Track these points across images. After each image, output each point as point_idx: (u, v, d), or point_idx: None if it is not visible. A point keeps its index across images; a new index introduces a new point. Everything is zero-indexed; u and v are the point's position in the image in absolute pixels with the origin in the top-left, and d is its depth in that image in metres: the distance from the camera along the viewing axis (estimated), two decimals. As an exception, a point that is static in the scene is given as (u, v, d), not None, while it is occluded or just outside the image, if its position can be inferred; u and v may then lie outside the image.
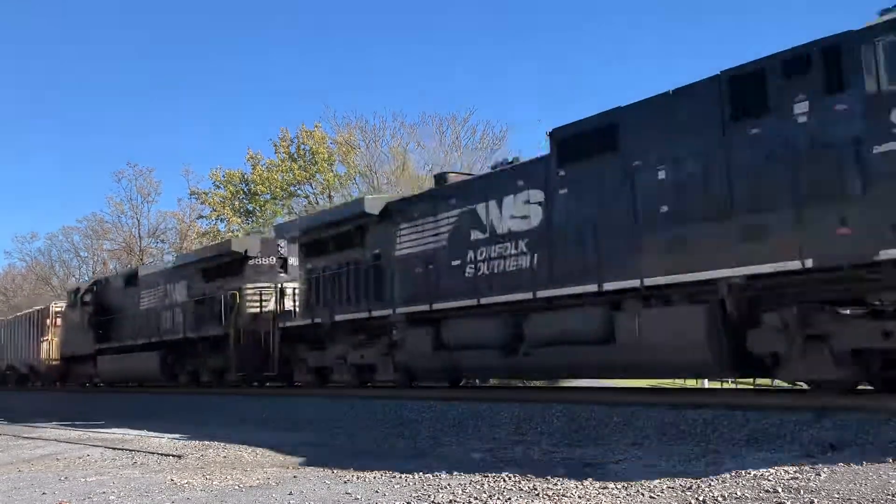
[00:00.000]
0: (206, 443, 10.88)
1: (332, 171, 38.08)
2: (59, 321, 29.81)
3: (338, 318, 14.65)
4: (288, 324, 16.44)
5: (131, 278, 24.51)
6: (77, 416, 17.43)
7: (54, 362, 30.02)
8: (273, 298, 17.96)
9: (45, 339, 30.41)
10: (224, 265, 19.37)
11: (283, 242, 18.59)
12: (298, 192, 39.14)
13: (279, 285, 17.70)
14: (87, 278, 59.61)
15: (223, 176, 40.51)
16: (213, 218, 41.25)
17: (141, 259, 50.92)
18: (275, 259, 18.93)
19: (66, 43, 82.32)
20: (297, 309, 16.60)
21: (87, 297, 26.32)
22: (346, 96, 69.84)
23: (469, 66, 68.67)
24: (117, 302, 24.93)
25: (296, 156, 38.44)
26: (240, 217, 39.82)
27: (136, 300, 23.43)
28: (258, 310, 18.20)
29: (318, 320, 15.20)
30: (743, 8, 63.22)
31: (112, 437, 12.70)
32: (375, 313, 13.72)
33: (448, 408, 11.17)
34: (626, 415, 8.95)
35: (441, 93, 64.15)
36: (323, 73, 70.52)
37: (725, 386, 16.84)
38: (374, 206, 14.03)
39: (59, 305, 30.82)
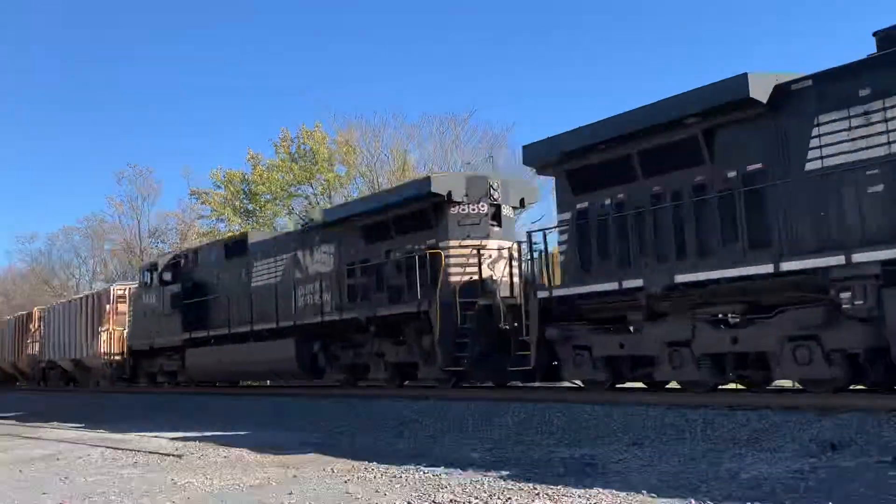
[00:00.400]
0: (207, 443, 10.88)
1: (333, 171, 38.14)
2: (121, 307, 24.66)
3: (681, 278, 9.46)
4: (557, 293, 10.91)
5: (236, 247, 18.95)
6: (78, 417, 17.42)
7: (116, 357, 24.54)
8: (491, 261, 13.12)
9: (103, 329, 24.83)
10: (407, 217, 13.94)
11: (496, 183, 13.56)
12: (298, 192, 39.20)
13: (543, 234, 11.62)
14: (87, 279, 60.00)
15: (223, 176, 40.58)
16: (213, 218, 41.34)
17: (141, 259, 50.98)
18: (486, 206, 13.36)
19: (67, 43, 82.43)
20: (556, 271, 11.66)
21: (168, 275, 20.93)
22: (347, 96, 69.89)
23: (469, 66, 68.70)
24: (213, 279, 19.52)
25: (296, 156, 38.49)
26: (240, 217, 39.87)
27: (246, 275, 18.13)
28: (472, 276, 12.98)
29: (631, 284, 9.93)
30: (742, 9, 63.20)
31: (113, 437, 12.70)
32: (797, 265, 8.33)
33: (448, 408, 11.18)
34: (626, 415, 8.96)
35: (441, 93, 64.19)
36: (323, 73, 70.59)
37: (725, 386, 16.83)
38: (760, 88, 8.77)
39: (121, 288, 25.80)
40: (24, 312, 36.86)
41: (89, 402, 21.68)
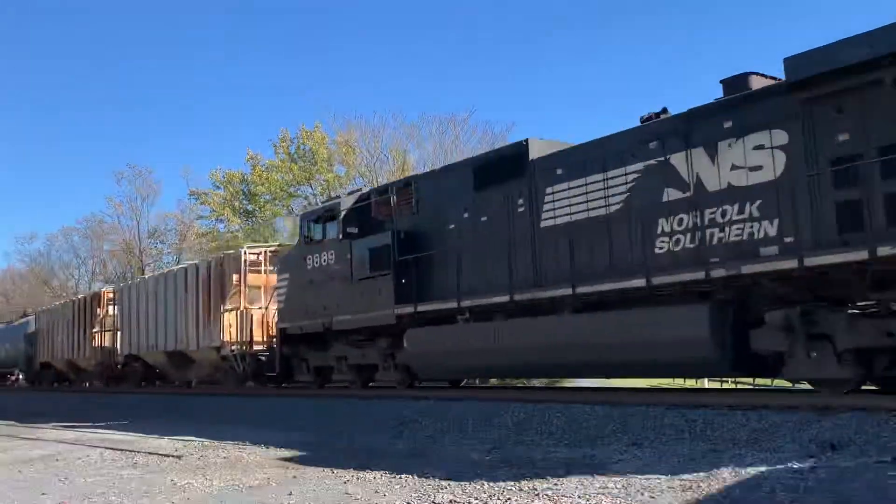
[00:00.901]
0: (206, 443, 10.88)
1: (332, 171, 38.17)
2: (253, 278, 18.40)
3: None
4: None
5: (500, 168, 11.96)
6: (77, 417, 17.40)
7: (246, 348, 18.03)
8: None
9: (228, 308, 18.28)
10: None
11: None
12: (298, 192, 39.23)
13: None
14: (86, 279, 60.08)
15: (223, 176, 40.63)
16: (212, 218, 41.39)
17: (140, 260, 50.96)
18: None
19: (67, 43, 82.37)
20: None
21: (355, 225, 14.33)
22: (346, 96, 69.95)
23: (469, 66, 68.68)
24: (447, 221, 12.72)
25: (295, 156, 38.53)
26: (240, 218, 39.89)
27: (526, 209, 11.40)
28: None
29: None
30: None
31: (112, 438, 12.69)
32: None
33: (448, 408, 11.17)
34: (626, 415, 8.96)
35: (441, 93, 64.19)
36: (323, 73, 70.61)
37: (725, 386, 16.86)
38: None
39: (255, 251, 19.17)
40: (85, 294, 30.47)
41: (89, 403, 21.63)
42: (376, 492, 6.63)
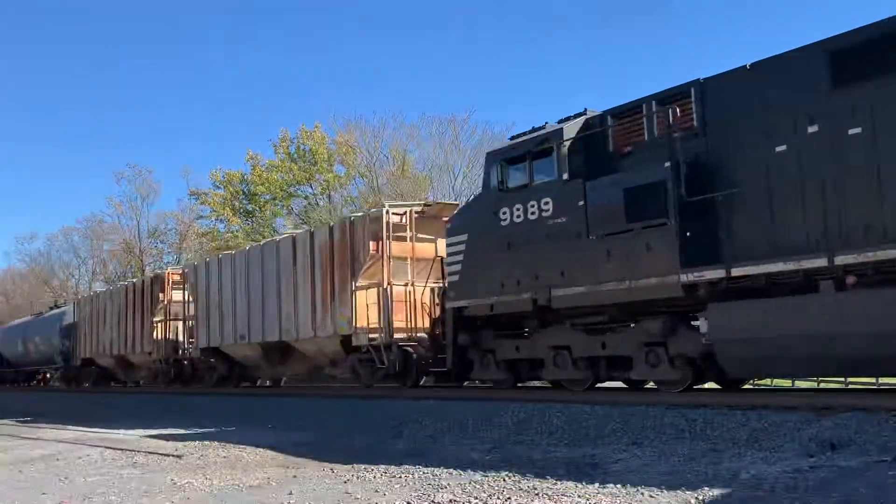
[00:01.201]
0: (206, 443, 10.88)
1: (332, 171, 38.22)
2: (397, 247, 14.39)
3: None
4: None
5: (872, 52, 7.96)
6: (77, 416, 17.41)
7: (389, 335, 14.10)
8: None
9: (360, 285, 14.56)
10: None
11: None
12: (298, 192, 39.27)
13: None
14: (87, 279, 60.18)
15: (223, 176, 40.67)
16: (212, 218, 41.43)
17: (141, 260, 50.99)
18: None
19: (67, 44, 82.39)
20: None
21: (580, 162, 10.61)
22: (346, 96, 69.99)
23: (469, 67, 68.68)
24: (764, 145, 8.82)
25: (295, 156, 38.59)
26: (240, 218, 39.91)
27: None
28: None
29: None
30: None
31: (112, 438, 12.69)
32: None
33: (448, 408, 11.18)
34: (626, 414, 8.96)
35: (440, 93, 64.21)
36: (323, 74, 70.66)
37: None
38: None
39: (397, 212, 14.54)
40: (142, 277, 26.41)
41: (89, 402, 21.64)
42: (376, 491, 6.64)
